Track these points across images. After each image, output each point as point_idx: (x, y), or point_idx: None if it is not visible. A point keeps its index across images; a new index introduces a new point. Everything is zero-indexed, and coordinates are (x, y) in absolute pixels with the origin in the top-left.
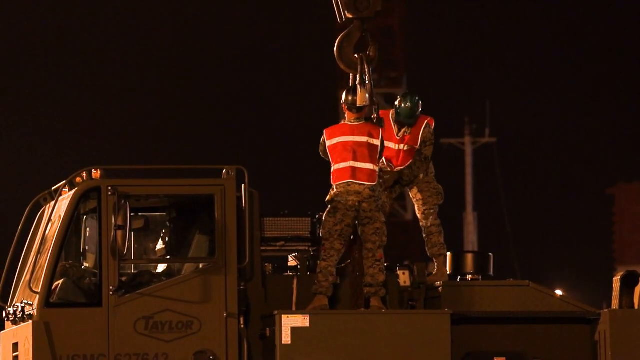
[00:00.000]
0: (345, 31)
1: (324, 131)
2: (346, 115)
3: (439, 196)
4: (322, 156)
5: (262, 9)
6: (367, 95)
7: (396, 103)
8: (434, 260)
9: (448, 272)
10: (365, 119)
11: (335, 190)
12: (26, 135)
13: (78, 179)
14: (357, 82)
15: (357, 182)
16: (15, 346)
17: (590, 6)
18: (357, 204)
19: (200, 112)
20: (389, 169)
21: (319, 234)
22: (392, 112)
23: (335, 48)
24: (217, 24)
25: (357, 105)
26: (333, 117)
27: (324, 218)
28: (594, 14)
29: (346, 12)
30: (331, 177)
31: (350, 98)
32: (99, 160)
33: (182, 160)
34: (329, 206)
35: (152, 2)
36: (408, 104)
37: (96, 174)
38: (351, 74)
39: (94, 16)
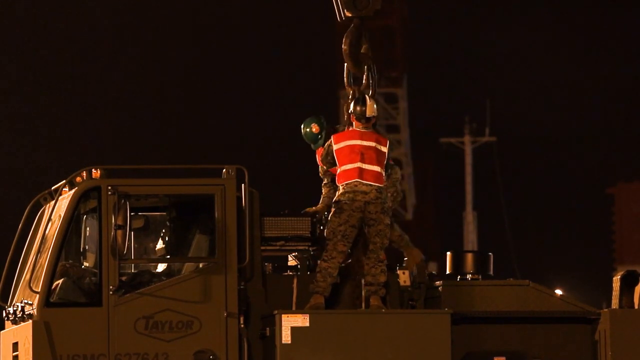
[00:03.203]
0: (350, 29)
1: (332, 137)
2: (354, 125)
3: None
4: (324, 166)
5: (262, 9)
6: (375, 106)
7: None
8: (405, 252)
9: (448, 272)
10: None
11: (341, 190)
12: (26, 135)
13: (78, 179)
14: (362, 90)
15: (365, 182)
16: (15, 346)
17: (590, 6)
18: (362, 204)
19: (201, 111)
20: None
21: (319, 233)
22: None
23: (343, 46)
24: (217, 23)
25: (367, 116)
26: (333, 117)
27: (329, 218)
28: (594, 14)
29: (345, 10)
30: (337, 178)
31: (358, 108)
32: (99, 160)
33: (182, 160)
34: (335, 206)
35: (151, 3)
36: (307, 129)
37: (96, 173)
38: (355, 75)
39: (92, 16)
